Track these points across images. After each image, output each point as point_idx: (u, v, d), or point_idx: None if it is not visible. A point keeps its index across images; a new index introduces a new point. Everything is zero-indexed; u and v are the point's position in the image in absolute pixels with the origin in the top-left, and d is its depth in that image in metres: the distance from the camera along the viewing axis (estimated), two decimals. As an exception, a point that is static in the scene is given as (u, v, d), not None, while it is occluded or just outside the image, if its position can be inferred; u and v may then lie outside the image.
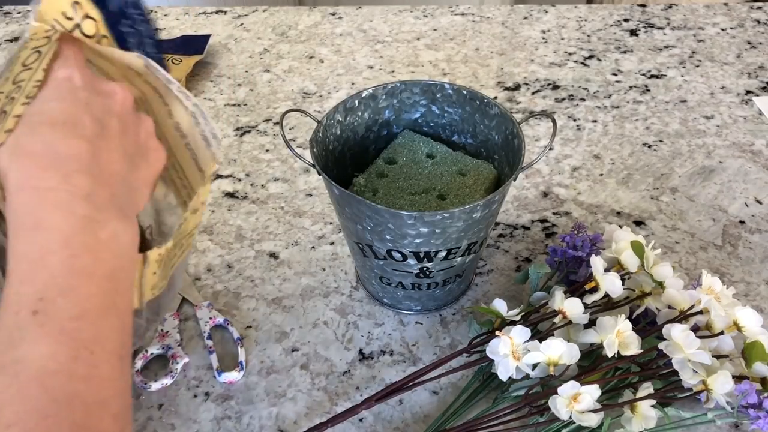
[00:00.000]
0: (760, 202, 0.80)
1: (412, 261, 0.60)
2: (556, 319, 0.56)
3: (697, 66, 1.03)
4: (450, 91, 0.68)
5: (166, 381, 0.61)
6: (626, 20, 1.13)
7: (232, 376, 0.62)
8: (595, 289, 0.57)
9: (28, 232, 0.34)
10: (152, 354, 0.63)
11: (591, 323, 0.56)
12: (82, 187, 0.35)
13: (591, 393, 0.52)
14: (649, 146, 0.88)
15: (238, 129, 0.91)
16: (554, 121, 0.62)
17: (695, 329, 0.56)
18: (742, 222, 0.78)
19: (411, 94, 0.69)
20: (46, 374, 0.30)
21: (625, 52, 1.06)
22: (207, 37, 1.06)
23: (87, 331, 0.32)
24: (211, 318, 0.66)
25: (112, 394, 0.32)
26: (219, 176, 0.84)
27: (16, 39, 1.10)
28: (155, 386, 0.61)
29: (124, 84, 0.41)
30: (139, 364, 0.62)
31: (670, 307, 0.58)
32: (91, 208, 0.35)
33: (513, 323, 0.56)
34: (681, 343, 0.52)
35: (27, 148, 0.36)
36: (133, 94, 0.42)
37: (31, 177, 0.35)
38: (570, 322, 0.57)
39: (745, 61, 1.03)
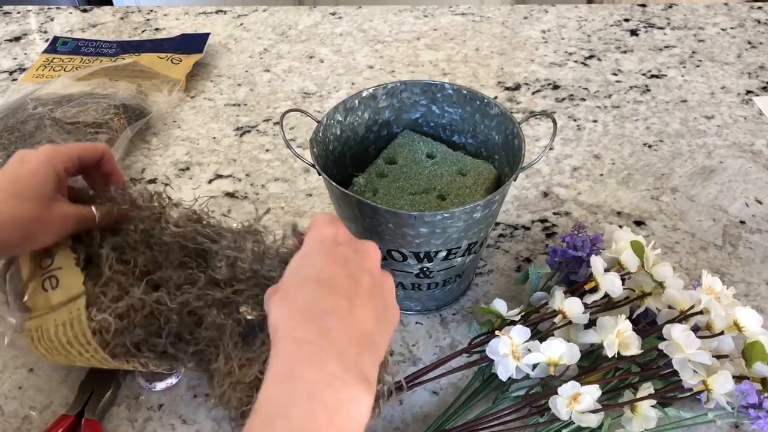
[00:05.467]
0: (760, 202, 0.80)
1: (412, 261, 0.60)
2: (556, 319, 0.56)
3: (698, 66, 1.03)
4: (450, 91, 0.68)
5: (171, 380, 0.61)
6: (626, 20, 1.13)
7: (232, 376, 0.62)
8: (595, 289, 0.57)
9: (281, 379, 0.38)
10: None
11: (591, 323, 0.56)
12: (336, 345, 0.39)
13: (591, 393, 0.52)
14: (650, 146, 0.88)
15: (238, 129, 0.91)
16: (554, 121, 0.62)
17: (695, 329, 0.56)
18: (742, 222, 0.78)
19: (411, 94, 0.69)
20: None
21: (625, 52, 1.06)
22: (206, 35, 1.06)
23: None
24: (211, 318, 0.66)
25: None
26: (219, 176, 0.84)
27: (16, 39, 1.10)
28: (160, 386, 0.61)
29: (375, 243, 0.47)
30: None
31: (670, 307, 0.58)
32: (339, 366, 0.38)
33: (513, 323, 0.56)
34: (681, 343, 0.52)
35: (295, 300, 0.41)
36: None
37: (295, 328, 0.40)
38: (570, 322, 0.56)
39: (745, 61, 1.03)
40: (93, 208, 0.57)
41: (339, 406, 0.38)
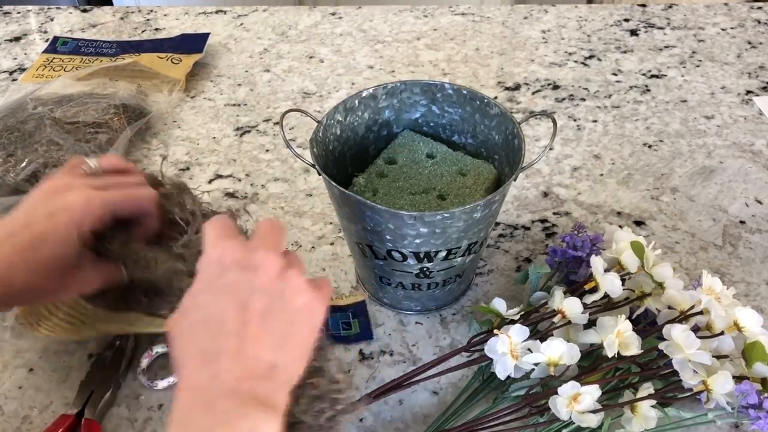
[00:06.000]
0: (760, 202, 0.80)
1: (412, 261, 0.60)
2: (555, 319, 0.56)
3: (698, 66, 1.03)
4: (450, 91, 0.68)
5: (173, 379, 0.61)
6: (626, 20, 1.13)
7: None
8: (595, 289, 0.57)
9: (178, 428, 0.39)
10: (157, 353, 0.63)
11: (591, 323, 0.56)
12: (227, 384, 0.39)
13: (591, 393, 0.52)
14: (650, 146, 0.88)
15: (238, 129, 0.91)
16: (554, 121, 0.62)
17: (695, 329, 0.56)
18: (742, 222, 0.78)
19: (411, 94, 0.69)
20: None
21: (625, 52, 1.06)
22: (206, 35, 1.06)
23: None
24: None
25: None
26: (219, 176, 0.84)
27: (16, 39, 1.10)
28: (162, 384, 0.61)
29: (269, 251, 0.43)
30: (144, 362, 0.62)
31: (670, 307, 0.58)
32: (233, 403, 0.39)
33: (512, 322, 0.56)
34: (681, 343, 0.52)
35: (188, 349, 0.41)
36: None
37: (189, 377, 0.40)
38: (569, 322, 0.56)
39: (745, 61, 1.03)
40: (123, 270, 0.54)
41: None
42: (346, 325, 0.66)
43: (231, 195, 0.81)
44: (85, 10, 1.17)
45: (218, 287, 0.42)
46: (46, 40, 1.08)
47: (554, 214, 0.79)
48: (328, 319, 0.66)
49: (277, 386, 0.41)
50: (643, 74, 1.01)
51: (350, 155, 0.69)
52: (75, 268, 0.51)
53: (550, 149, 0.87)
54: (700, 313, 0.56)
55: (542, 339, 0.55)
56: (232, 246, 0.43)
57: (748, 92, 0.97)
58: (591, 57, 1.05)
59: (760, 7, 1.17)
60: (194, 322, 0.42)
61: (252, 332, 0.41)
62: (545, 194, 0.81)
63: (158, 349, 0.63)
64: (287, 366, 0.42)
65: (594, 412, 0.52)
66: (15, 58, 1.05)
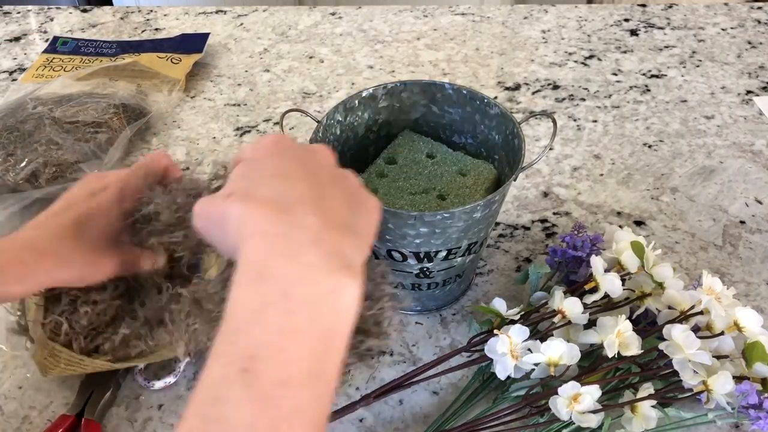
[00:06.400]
0: (760, 202, 0.80)
1: (412, 261, 0.60)
2: (555, 319, 0.56)
3: (698, 66, 1.02)
4: (450, 91, 0.68)
5: (170, 379, 0.61)
6: (626, 20, 1.13)
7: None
8: (595, 290, 0.57)
9: (251, 280, 0.33)
10: (154, 353, 0.63)
11: (591, 323, 0.56)
12: (312, 232, 0.34)
13: (591, 393, 0.52)
14: (650, 146, 0.88)
15: (238, 129, 0.91)
16: (554, 121, 0.62)
17: (696, 330, 0.56)
18: (742, 222, 0.78)
19: (411, 94, 0.69)
20: None
21: (625, 52, 1.06)
22: (206, 35, 1.06)
23: (289, 400, 0.31)
24: (210, 318, 0.66)
25: None
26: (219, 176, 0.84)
27: (16, 39, 1.10)
28: (159, 384, 0.61)
29: (324, 146, 0.42)
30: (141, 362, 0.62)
31: (670, 307, 0.58)
32: (317, 255, 0.33)
33: (512, 322, 0.56)
34: (681, 343, 0.52)
35: (259, 195, 0.35)
36: None
37: (263, 222, 0.34)
38: (569, 322, 0.56)
39: (745, 61, 1.03)
40: (155, 258, 0.55)
41: (320, 300, 0.33)
42: None
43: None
44: (85, 10, 1.17)
45: (282, 155, 0.39)
46: (46, 40, 1.08)
47: (554, 214, 0.79)
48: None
49: (358, 249, 0.36)
50: (643, 74, 1.01)
51: (350, 155, 0.69)
52: (112, 248, 0.52)
53: (550, 149, 0.87)
54: (700, 313, 0.56)
55: (542, 339, 0.55)
56: (287, 136, 0.41)
57: (748, 92, 0.97)
58: (591, 57, 1.05)
59: (760, 7, 1.17)
60: (262, 177, 0.37)
61: (328, 191, 0.37)
62: (545, 194, 0.81)
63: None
64: (363, 235, 0.37)
65: (594, 412, 0.52)
66: (15, 58, 1.05)
